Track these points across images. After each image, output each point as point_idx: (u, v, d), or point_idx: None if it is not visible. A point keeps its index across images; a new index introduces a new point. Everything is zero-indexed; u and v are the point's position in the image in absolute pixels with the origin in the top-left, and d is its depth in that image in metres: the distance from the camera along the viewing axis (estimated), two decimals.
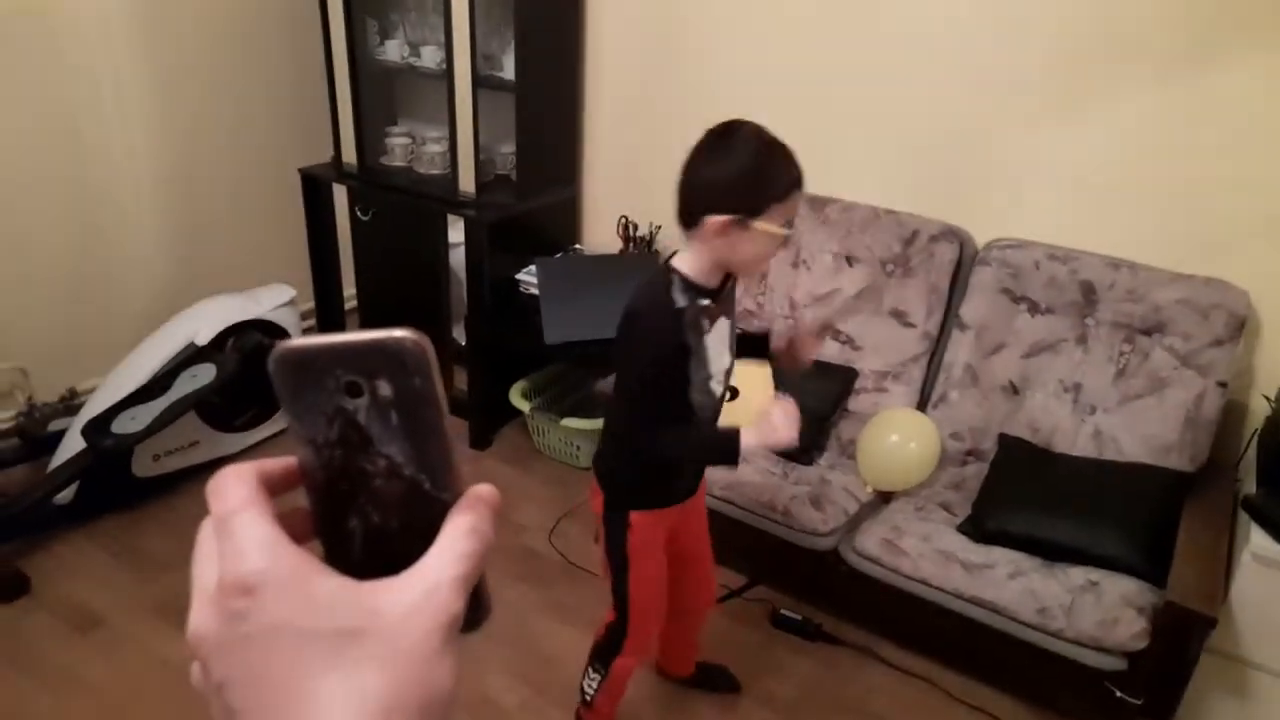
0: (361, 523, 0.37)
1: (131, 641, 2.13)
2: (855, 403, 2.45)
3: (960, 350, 2.35)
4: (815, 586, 2.34)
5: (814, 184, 2.51)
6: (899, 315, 2.44)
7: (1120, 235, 2.24)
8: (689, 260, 1.47)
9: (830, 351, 2.48)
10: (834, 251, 2.52)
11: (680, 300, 1.45)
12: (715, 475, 2.20)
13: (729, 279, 1.52)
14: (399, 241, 3.10)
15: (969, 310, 2.35)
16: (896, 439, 2.17)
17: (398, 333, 0.35)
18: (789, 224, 1.42)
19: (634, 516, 1.64)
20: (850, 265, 2.50)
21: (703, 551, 1.86)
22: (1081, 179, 2.29)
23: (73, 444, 2.45)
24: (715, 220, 1.38)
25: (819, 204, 2.54)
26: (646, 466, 1.65)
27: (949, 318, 2.41)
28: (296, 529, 0.37)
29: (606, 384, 2.42)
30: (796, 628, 2.25)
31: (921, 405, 2.40)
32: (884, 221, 2.47)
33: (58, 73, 2.65)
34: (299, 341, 0.35)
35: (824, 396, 2.39)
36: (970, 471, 2.27)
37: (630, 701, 1.94)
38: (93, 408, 2.50)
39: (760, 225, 1.38)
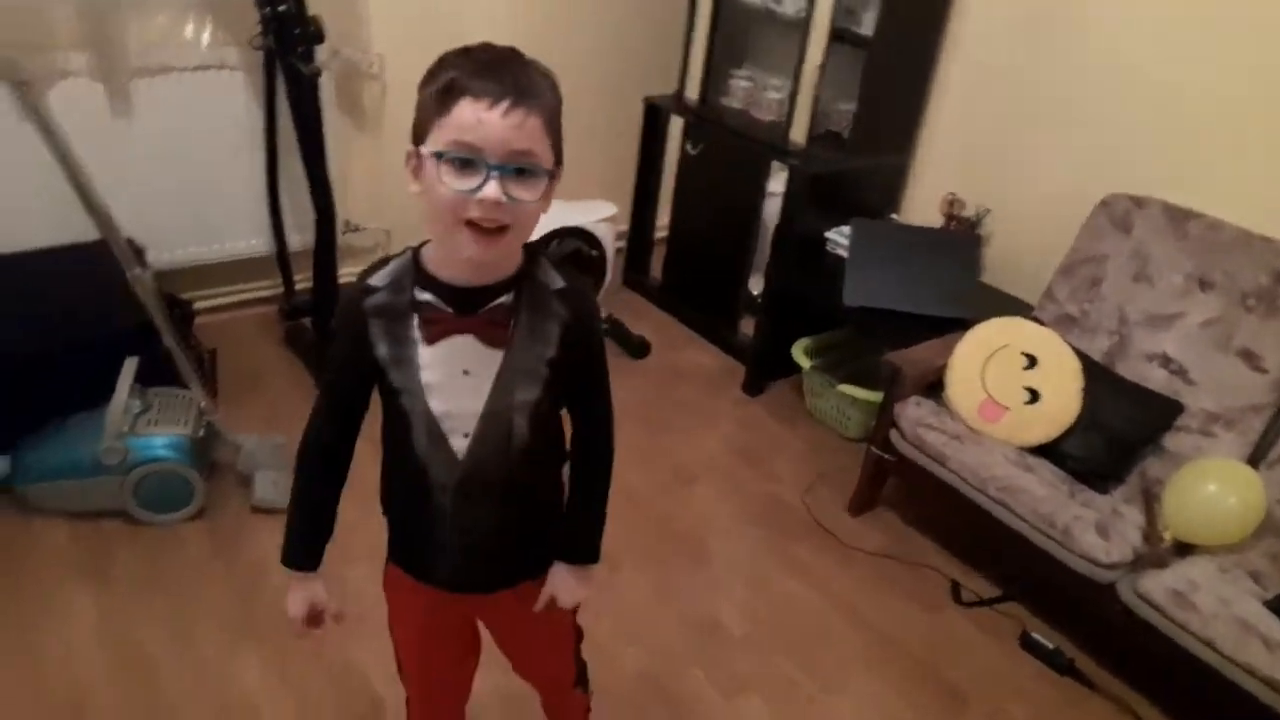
0: None
1: None
2: (1172, 440, 2.21)
3: None
4: (1076, 618, 2.18)
5: (1179, 194, 2.30)
6: (1249, 357, 2.15)
7: None
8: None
9: (1156, 379, 2.25)
10: (1186, 272, 2.26)
11: (380, 281, 1.05)
12: (995, 472, 2.10)
13: (510, 290, 1.05)
14: (719, 182, 3.19)
15: None
16: (1215, 489, 1.95)
17: None
18: (460, 146, 0.93)
19: (390, 564, 1.26)
20: (1203, 290, 2.23)
21: (530, 649, 1.39)
22: None
23: None
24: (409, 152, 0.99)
25: (1179, 216, 2.29)
26: (386, 499, 1.21)
27: None
28: None
29: (894, 357, 2.36)
30: (1046, 655, 2.11)
31: (1253, 462, 2.13)
32: (1256, 248, 2.17)
33: None
34: None
35: (1136, 423, 2.18)
36: None
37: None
38: None
39: (425, 151, 0.96)
